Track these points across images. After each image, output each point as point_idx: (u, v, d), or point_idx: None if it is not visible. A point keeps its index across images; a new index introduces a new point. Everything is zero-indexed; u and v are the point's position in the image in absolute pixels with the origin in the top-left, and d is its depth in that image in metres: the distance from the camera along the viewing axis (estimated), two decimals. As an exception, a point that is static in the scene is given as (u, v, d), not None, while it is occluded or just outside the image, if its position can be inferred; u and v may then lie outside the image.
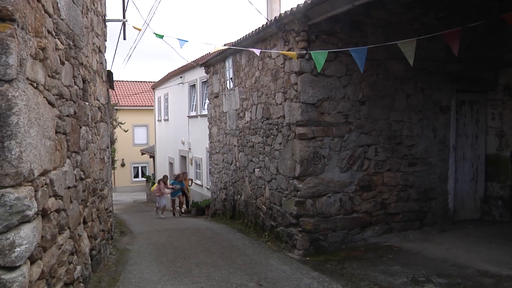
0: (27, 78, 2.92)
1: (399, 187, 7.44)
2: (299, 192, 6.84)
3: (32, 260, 2.96)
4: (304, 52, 6.61)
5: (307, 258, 6.69)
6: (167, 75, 21.98)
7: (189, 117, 18.26)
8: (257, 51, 7.07)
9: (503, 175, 8.23)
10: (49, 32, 3.56)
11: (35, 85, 3.12)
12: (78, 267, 4.46)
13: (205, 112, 15.37)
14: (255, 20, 70.09)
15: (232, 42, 9.21)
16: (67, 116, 4.25)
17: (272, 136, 7.88)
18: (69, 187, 4.21)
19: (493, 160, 8.34)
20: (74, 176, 4.48)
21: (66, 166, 4.12)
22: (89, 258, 5.24)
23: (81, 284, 4.61)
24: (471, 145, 8.29)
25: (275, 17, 7.31)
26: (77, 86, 4.83)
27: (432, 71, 7.66)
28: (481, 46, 8.07)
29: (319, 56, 6.06)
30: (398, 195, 7.43)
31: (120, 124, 27.33)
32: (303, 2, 6.35)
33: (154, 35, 7.58)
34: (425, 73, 7.59)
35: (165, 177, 16.88)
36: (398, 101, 7.39)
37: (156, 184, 16.79)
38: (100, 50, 6.98)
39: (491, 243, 6.90)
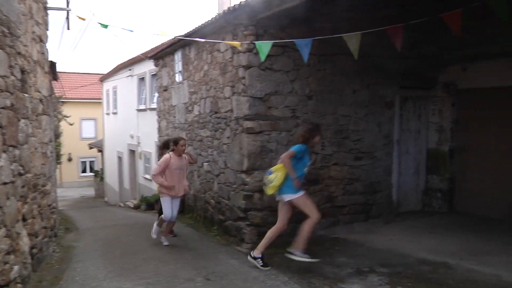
0: (-45, 68, 2.75)
1: (346, 180, 7.61)
2: (247, 186, 6.86)
3: (-39, 260, 2.81)
4: (250, 42, 6.60)
5: (256, 252, 6.72)
6: (115, 67, 21.40)
7: (138, 110, 17.89)
8: (202, 40, 7.01)
9: (443, 169, 8.61)
10: (-20, 19, 3.37)
11: (-36, 75, 2.95)
12: (16, 267, 4.27)
13: (154, 105, 15.09)
14: (208, 13, 69.53)
15: (181, 35, 9.07)
16: (3, 108, 4.05)
17: (220, 130, 7.85)
18: (5, 183, 4.02)
19: (434, 154, 8.71)
20: (11, 171, 4.28)
21: (2, 160, 3.93)
22: (29, 257, 5.04)
23: (19, 284, 4.42)
24: (414, 139, 8.60)
25: (224, 10, 7.26)
26: (14, 76, 4.61)
27: (378, 67, 7.87)
28: (424, 45, 8.39)
29: (264, 46, 6.08)
30: (344, 188, 7.60)
31: (65, 117, 26.38)
32: (252, -4, 6.34)
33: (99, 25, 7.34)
34: (371, 70, 7.78)
35: (178, 141, 7.25)
36: (345, 96, 7.55)
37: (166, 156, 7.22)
38: (42, 40, 6.69)
39: (430, 233, 7.24)
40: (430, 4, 7.88)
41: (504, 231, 7.13)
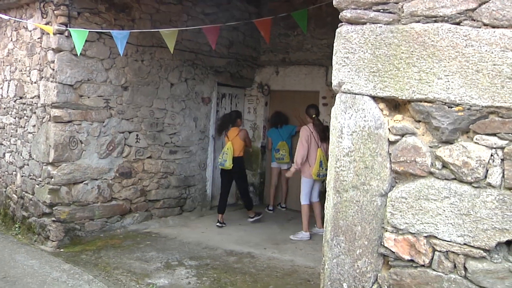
0: None
1: (160, 174, 7.57)
2: (53, 179, 6.36)
3: None
4: (63, 28, 6.13)
5: (61, 250, 6.30)
6: None
7: None
8: (4, 17, 6.25)
9: (255, 164, 9.19)
10: None
11: None
12: None
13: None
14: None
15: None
16: None
17: (25, 118, 7.14)
18: None
19: (248, 150, 9.20)
20: None
21: None
22: None
23: None
24: (229, 135, 8.96)
25: (33, -17, 6.61)
26: None
27: (197, 63, 8.00)
28: (242, 46, 8.82)
29: (79, 36, 5.70)
30: (158, 182, 7.55)
31: None
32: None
33: None
34: (190, 65, 7.87)
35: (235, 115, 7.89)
36: (162, 90, 7.48)
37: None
38: None
39: (240, 225, 7.64)
40: (247, 8, 8.35)
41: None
